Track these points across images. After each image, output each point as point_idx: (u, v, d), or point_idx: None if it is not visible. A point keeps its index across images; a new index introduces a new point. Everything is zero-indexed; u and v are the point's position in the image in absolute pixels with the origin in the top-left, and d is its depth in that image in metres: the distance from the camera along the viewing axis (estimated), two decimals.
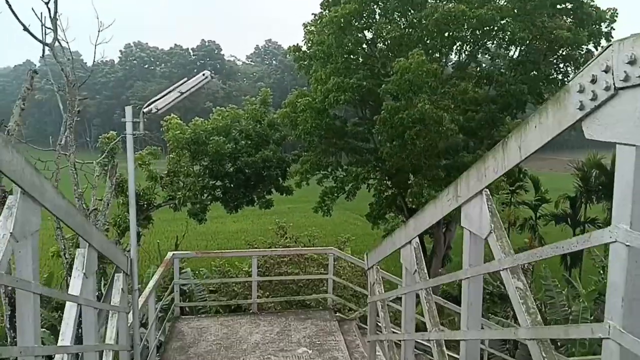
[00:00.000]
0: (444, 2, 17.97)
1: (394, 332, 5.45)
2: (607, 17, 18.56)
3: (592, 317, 13.55)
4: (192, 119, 21.80)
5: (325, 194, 21.22)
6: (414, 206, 22.76)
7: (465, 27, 18.00)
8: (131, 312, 5.74)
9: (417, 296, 4.39)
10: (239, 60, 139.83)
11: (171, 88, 5.39)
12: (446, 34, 18.55)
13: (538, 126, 2.29)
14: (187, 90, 5.36)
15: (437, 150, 18.16)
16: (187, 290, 13.60)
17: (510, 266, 2.66)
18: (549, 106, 2.20)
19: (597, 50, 19.26)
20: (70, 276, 4.39)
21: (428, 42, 19.05)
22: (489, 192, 3.04)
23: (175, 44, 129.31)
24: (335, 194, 21.13)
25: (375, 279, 5.63)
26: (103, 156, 11.21)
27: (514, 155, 2.52)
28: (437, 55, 19.76)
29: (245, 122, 22.02)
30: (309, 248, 10.34)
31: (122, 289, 5.24)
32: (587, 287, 18.26)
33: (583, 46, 18.96)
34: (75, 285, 3.95)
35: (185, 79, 5.46)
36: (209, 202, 21.91)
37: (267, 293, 10.65)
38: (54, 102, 10.61)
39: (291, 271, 10.85)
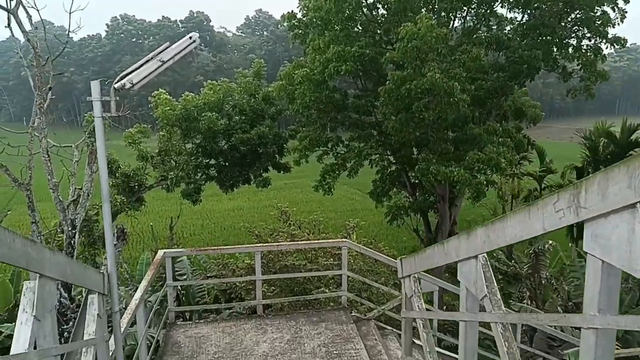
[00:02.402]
0: None
1: None
2: None
3: (628, 303, 12.68)
4: (182, 94, 20.55)
5: (326, 172, 20.05)
6: (416, 181, 21.78)
7: None
8: (112, 338, 4.67)
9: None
10: (229, 31, 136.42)
11: (149, 56, 4.16)
12: None
13: None
14: (170, 58, 4.14)
15: (446, 123, 16.96)
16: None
17: None
18: None
19: (613, 12, 17.94)
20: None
21: (436, 5, 17.61)
22: None
23: (163, 16, 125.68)
24: (337, 172, 19.97)
25: (413, 290, 4.55)
26: (82, 139, 9.94)
27: None
28: (445, 19, 18.32)
29: (239, 96, 20.79)
30: (319, 241, 9.21)
31: (97, 314, 4.14)
32: None
33: (598, 7, 17.63)
34: (21, 335, 2.83)
35: (167, 43, 4.22)
36: (203, 182, 20.85)
37: (273, 288, 9.61)
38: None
39: (298, 263, 9.79)
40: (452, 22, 19.14)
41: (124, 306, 11.04)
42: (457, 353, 9.43)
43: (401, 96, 15.71)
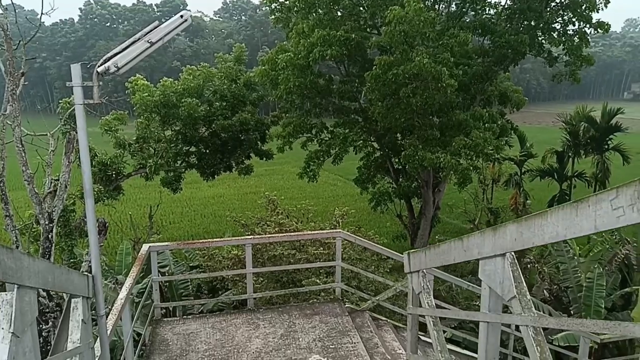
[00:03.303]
0: None
1: None
2: None
3: (611, 285, 12.80)
4: (159, 79, 19.88)
5: (311, 159, 19.71)
6: (400, 167, 21.64)
7: None
8: (98, 342, 4.32)
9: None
10: (206, 16, 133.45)
11: (136, 37, 3.75)
12: None
13: None
14: (159, 39, 3.73)
15: (432, 109, 16.75)
16: (166, 273, 12.17)
17: None
18: None
19: None
20: None
21: None
22: None
23: (138, 0, 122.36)
24: (321, 158, 19.65)
25: (422, 287, 4.29)
26: (58, 127, 9.40)
27: None
28: (432, 2, 18.01)
29: (219, 82, 20.23)
30: (313, 232, 8.88)
31: (82, 319, 3.78)
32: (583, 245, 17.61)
33: None
34: None
35: (156, 22, 3.81)
36: (183, 170, 20.35)
37: (261, 279, 9.29)
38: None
39: (287, 253, 9.48)
40: (438, 7, 18.84)
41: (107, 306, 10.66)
42: (459, 345, 9.30)
43: (388, 81, 15.42)
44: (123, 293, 5.50)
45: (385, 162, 21.69)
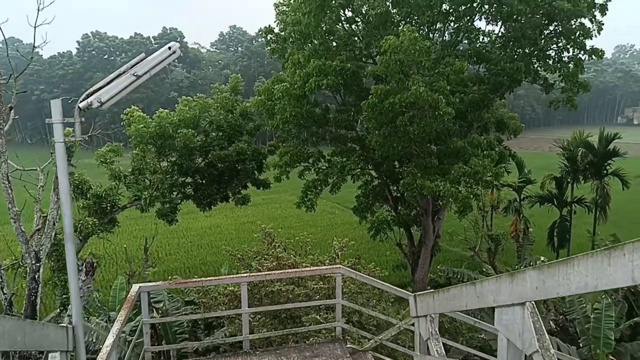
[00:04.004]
0: None
1: None
2: None
3: (618, 315, 12.41)
4: (155, 110, 19.82)
5: (308, 188, 19.48)
6: (398, 195, 21.41)
7: (458, 0, 16.40)
8: None
9: None
10: (203, 47, 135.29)
11: (121, 69, 3.54)
12: (438, 9, 16.90)
13: None
14: (146, 72, 3.52)
15: (430, 137, 16.63)
16: (161, 311, 11.72)
17: None
18: None
19: (592, 23, 18.00)
20: None
21: (417, 18, 17.36)
22: None
23: (136, 33, 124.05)
24: (319, 187, 19.42)
25: (430, 332, 3.97)
26: (49, 162, 9.15)
27: None
28: (426, 32, 18.11)
29: (215, 112, 20.20)
30: (312, 269, 8.54)
31: None
32: None
33: (578, 19, 17.66)
34: None
35: (142, 55, 3.60)
36: (179, 201, 20.13)
37: (259, 316, 8.89)
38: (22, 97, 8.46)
39: (285, 288, 9.12)
40: (433, 36, 18.95)
41: (93, 340, 10.20)
42: None
43: (384, 110, 15.32)
44: (109, 340, 5.14)
45: (384, 190, 21.48)
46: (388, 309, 10.67)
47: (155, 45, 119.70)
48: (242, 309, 6.93)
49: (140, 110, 19.09)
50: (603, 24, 18.07)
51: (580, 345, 11.98)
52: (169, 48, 3.68)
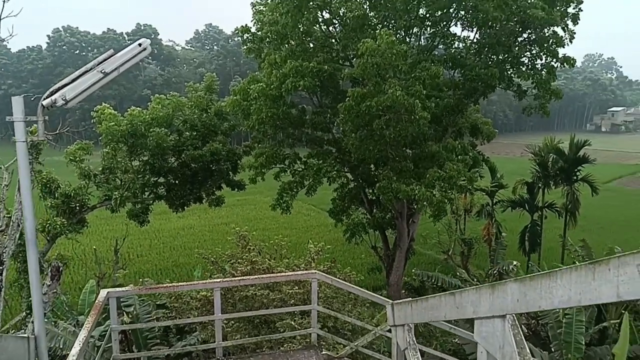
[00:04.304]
0: None
1: None
2: None
3: (587, 319, 12.62)
4: (128, 108, 19.39)
5: (284, 190, 19.31)
6: (374, 198, 21.45)
7: (434, 5, 16.51)
8: None
9: None
10: (177, 45, 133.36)
11: (88, 66, 3.35)
12: (415, 14, 17.00)
13: None
14: (114, 69, 3.34)
15: (405, 141, 16.69)
16: (131, 316, 11.38)
17: None
18: None
19: (564, 32, 18.39)
20: None
21: (394, 22, 17.41)
22: None
23: (109, 28, 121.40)
24: (295, 190, 19.28)
25: (408, 342, 3.90)
26: (13, 160, 8.76)
27: None
28: (403, 36, 18.18)
29: (190, 111, 19.88)
30: (287, 274, 8.38)
31: None
32: None
33: (551, 27, 18.01)
34: None
35: (111, 51, 3.43)
36: (151, 202, 19.71)
37: (232, 322, 8.70)
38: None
39: (260, 293, 8.95)
40: (409, 40, 19.04)
41: (60, 346, 9.83)
42: None
43: (361, 113, 15.31)
44: (75, 349, 4.90)
45: (360, 193, 21.49)
46: (363, 313, 10.60)
47: (129, 42, 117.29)
48: (215, 315, 6.74)
49: (111, 108, 18.63)
50: (575, 33, 18.50)
51: (552, 350, 12.14)
52: (139, 45, 3.51)
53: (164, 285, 7.44)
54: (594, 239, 25.06)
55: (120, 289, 6.97)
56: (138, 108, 18.78)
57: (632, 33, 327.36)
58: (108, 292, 6.30)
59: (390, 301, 4.52)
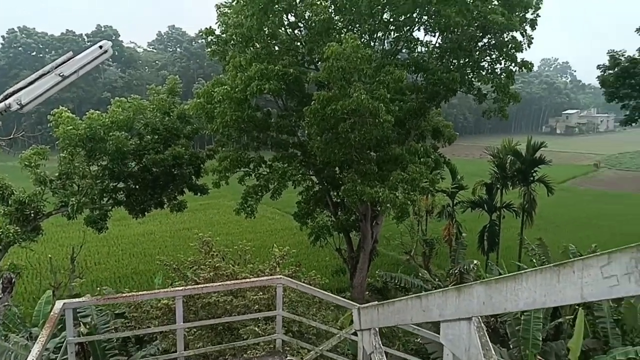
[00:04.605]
0: None
1: None
2: (533, 4, 18.29)
3: (544, 315, 13.01)
4: (86, 111, 18.82)
5: (248, 194, 19.13)
6: (339, 201, 21.55)
7: (398, 10, 16.74)
8: None
9: None
10: (139, 47, 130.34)
11: (45, 69, 3.21)
12: (379, 18, 17.19)
13: None
14: (73, 72, 3.21)
15: (370, 144, 16.84)
16: (89, 326, 11.00)
17: None
18: None
19: (523, 37, 18.97)
20: None
21: (358, 26, 17.57)
22: None
23: (67, 30, 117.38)
24: (260, 193, 19.13)
25: (374, 346, 3.91)
26: None
27: None
28: (368, 40, 18.37)
29: (151, 114, 19.48)
30: (251, 280, 8.23)
31: None
32: None
33: (510, 33, 18.57)
34: None
35: (70, 54, 3.30)
36: (109, 208, 19.19)
37: (195, 329, 8.54)
38: None
39: (223, 300, 8.81)
40: (374, 44, 19.25)
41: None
42: None
43: (326, 116, 15.36)
44: None
45: (324, 196, 21.54)
46: (328, 316, 10.61)
47: (89, 43, 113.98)
48: (177, 324, 6.58)
49: (69, 111, 18.07)
50: (533, 38, 19.14)
51: (511, 346, 12.47)
52: (100, 47, 3.39)
53: (124, 294, 7.21)
54: (550, 238, 25.89)
55: (77, 299, 6.73)
56: (97, 111, 18.29)
57: (586, 37, 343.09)
58: (64, 304, 6.05)
59: (357, 305, 4.53)
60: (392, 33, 19.08)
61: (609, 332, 12.59)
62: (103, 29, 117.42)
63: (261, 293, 9.30)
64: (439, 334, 3.13)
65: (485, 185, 30.60)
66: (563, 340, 13.61)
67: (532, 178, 28.64)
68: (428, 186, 18.00)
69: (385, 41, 20.33)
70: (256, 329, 8.57)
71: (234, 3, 19.03)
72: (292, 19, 18.53)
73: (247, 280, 8.21)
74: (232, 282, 8.18)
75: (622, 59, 28.30)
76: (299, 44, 19.10)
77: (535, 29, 18.67)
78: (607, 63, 29.11)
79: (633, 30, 27.31)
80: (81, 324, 11.02)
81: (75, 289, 15.46)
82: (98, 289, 12.48)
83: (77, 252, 20.60)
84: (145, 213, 20.02)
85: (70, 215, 16.94)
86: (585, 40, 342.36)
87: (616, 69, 28.39)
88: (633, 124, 32.35)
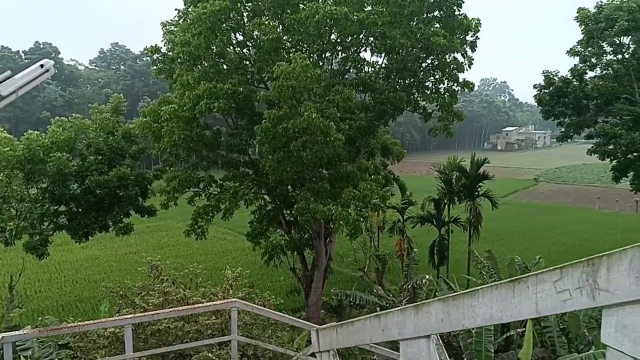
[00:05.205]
0: (324, 4, 16.83)
1: None
2: (473, 27, 19.18)
3: (495, 330, 13.33)
4: (24, 131, 17.94)
5: (199, 215, 18.70)
6: (292, 219, 21.46)
7: (345, 31, 17.09)
8: None
9: None
10: (80, 64, 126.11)
11: None
12: (327, 38, 17.47)
13: None
14: (13, 92, 3.04)
15: (322, 162, 16.95)
16: (29, 358, 10.29)
17: None
18: None
19: (464, 58, 19.80)
20: None
21: (306, 46, 17.78)
22: None
23: (3, 46, 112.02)
24: (210, 214, 18.74)
25: None
26: None
27: None
28: (316, 60, 18.61)
29: (94, 134, 18.85)
30: (205, 305, 7.97)
31: None
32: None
33: (452, 54, 19.34)
34: None
35: (8, 72, 3.12)
36: (50, 232, 18.27)
37: (145, 358, 8.14)
38: None
39: (174, 325, 8.48)
40: (322, 64, 19.52)
41: None
42: None
43: (277, 135, 15.35)
44: None
45: (277, 215, 21.39)
46: (283, 337, 10.43)
47: (26, 61, 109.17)
48: (126, 353, 6.27)
49: (5, 132, 17.20)
50: (473, 59, 20.03)
51: (464, 359, 12.69)
52: (41, 66, 3.23)
53: (68, 324, 6.81)
54: (496, 249, 26.78)
55: (16, 332, 6.28)
56: (36, 131, 17.51)
57: (523, 57, 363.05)
58: (2, 337, 5.63)
59: (316, 326, 4.47)
60: (340, 53, 19.45)
61: (555, 341, 13.05)
62: (42, 45, 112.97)
63: (214, 317, 9.01)
64: (398, 352, 3.13)
65: (433, 201, 31.40)
66: (514, 351, 14.01)
67: (477, 193, 29.67)
68: (379, 202, 18.28)
69: (334, 61, 20.68)
70: (210, 354, 8.28)
71: (180, 21, 18.82)
72: (240, 38, 18.52)
73: (200, 305, 7.94)
74: (184, 307, 7.89)
75: (556, 79, 30.07)
76: (248, 62, 19.09)
77: (475, 50, 19.57)
78: (542, 83, 30.81)
79: (564, 52, 29.21)
80: (21, 357, 10.30)
81: (14, 319, 14.43)
82: (40, 318, 11.71)
83: (15, 280, 19.38)
84: (89, 237, 19.23)
85: (7, 241, 16.02)
86: (522, 60, 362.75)
87: (551, 89, 30.11)
88: (568, 140, 34.26)
